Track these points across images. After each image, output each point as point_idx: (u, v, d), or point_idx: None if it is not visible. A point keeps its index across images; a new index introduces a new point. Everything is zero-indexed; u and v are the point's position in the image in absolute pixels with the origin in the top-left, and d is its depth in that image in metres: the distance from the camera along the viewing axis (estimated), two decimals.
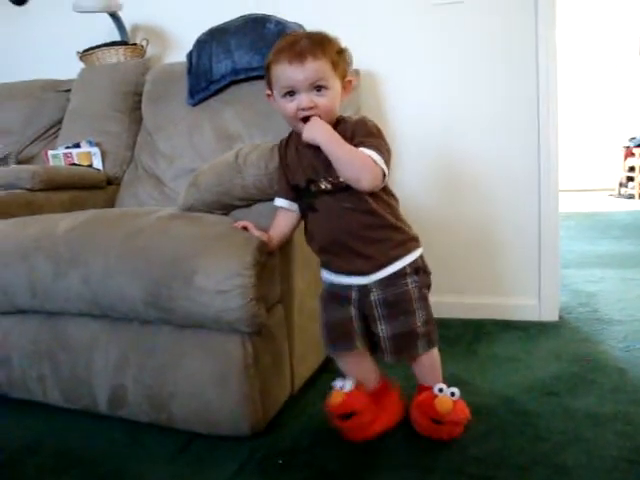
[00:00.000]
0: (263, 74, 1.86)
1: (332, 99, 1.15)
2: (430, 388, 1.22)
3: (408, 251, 1.21)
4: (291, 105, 1.15)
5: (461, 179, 2.08)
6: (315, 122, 1.14)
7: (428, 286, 1.25)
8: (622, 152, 7.05)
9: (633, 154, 6.68)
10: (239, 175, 1.30)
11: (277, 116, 1.83)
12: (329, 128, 1.14)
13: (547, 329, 1.93)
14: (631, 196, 6.72)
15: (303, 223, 1.27)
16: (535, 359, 1.66)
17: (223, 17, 2.04)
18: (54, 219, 1.47)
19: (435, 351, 1.25)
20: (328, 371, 1.60)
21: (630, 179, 6.89)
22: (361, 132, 1.16)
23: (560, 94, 1.96)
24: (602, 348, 1.72)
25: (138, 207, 1.96)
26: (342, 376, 1.27)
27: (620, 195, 7.08)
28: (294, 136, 1.25)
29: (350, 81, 1.21)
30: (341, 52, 1.18)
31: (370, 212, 1.16)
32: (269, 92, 1.22)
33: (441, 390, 1.20)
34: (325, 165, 1.15)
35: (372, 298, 1.19)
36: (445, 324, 1.96)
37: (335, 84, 1.16)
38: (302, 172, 1.20)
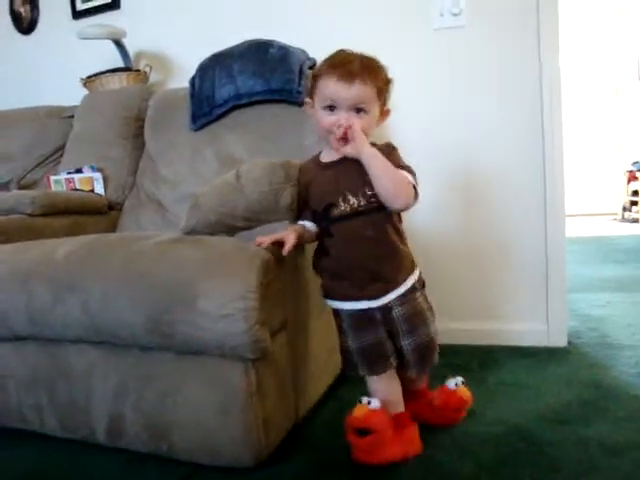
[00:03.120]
0: (266, 98, 1.90)
1: (368, 123, 1.20)
2: (424, 389, 1.39)
3: (414, 269, 1.29)
4: (329, 119, 1.19)
5: (467, 205, 2.06)
6: (361, 139, 1.16)
7: None
8: (625, 176, 7.05)
9: (636, 178, 6.68)
10: (242, 194, 1.27)
11: (280, 141, 1.84)
12: (372, 147, 1.18)
13: (556, 355, 1.89)
14: (635, 220, 6.69)
15: (315, 251, 1.31)
16: (545, 386, 1.62)
17: (226, 43, 2.04)
18: (53, 244, 1.44)
19: None
20: (333, 399, 1.56)
21: (634, 203, 6.87)
22: (394, 157, 1.22)
23: (563, 119, 1.95)
24: (613, 374, 1.67)
25: (139, 232, 1.94)
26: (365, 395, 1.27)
27: (624, 219, 7.06)
28: (315, 161, 1.30)
29: (388, 110, 1.26)
30: (388, 82, 1.24)
31: (384, 237, 1.21)
32: (309, 100, 1.27)
33: (456, 384, 1.35)
34: (347, 188, 1.19)
35: (394, 315, 1.24)
36: (452, 351, 1.92)
37: (375, 110, 1.20)
38: (321, 196, 1.23)
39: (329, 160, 1.26)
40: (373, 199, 1.18)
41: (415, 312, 1.25)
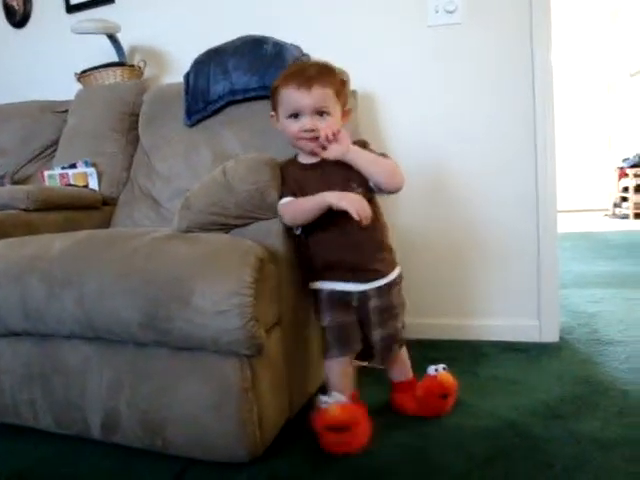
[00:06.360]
0: (261, 94, 1.90)
1: (332, 124, 1.25)
2: (409, 381, 1.43)
3: (396, 265, 1.36)
4: (295, 126, 1.26)
5: (458, 200, 2.07)
6: (346, 142, 1.24)
7: None
8: (616, 173, 7.09)
9: (627, 175, 6.72)
10: (231, 192, 1.27)
11: (274, 136, 1.84)
12: (353, 146, 1.26)
13: (548, 350, 1.91)
14: (625, 216, 6.74)
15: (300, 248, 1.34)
16: (537, 381, 1.64)
17: (221, 38, 2.04)
18: (48, 239, 1.44)
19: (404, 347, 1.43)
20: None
21: (624, 199, 6.92)
22: (370, 150, 1.30)
23: (555, 116, 1.96)
24: (604, 369, 1.69)
25: (134, 228, 1.93)
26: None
27: (615, 215, 7.11)
28: (295, 163, 1.34)
29: (350, 109, 1.33)
30: (344, 83, 1.31)
31: (373, 227, 1.25)
32: (273, 113, 1.34)
33: (436, 370, 1.38)
34: (335, 183, 1.24)
35: (371, 305, 1.31)
36: (442, 346, 1.94)
37: (336, 111, 1.27)
38: (313, 193, 1.24)
39: (310, 162, 1.31)
40: (359, 192, 1.24)
41: (389, 306, 1.33)
